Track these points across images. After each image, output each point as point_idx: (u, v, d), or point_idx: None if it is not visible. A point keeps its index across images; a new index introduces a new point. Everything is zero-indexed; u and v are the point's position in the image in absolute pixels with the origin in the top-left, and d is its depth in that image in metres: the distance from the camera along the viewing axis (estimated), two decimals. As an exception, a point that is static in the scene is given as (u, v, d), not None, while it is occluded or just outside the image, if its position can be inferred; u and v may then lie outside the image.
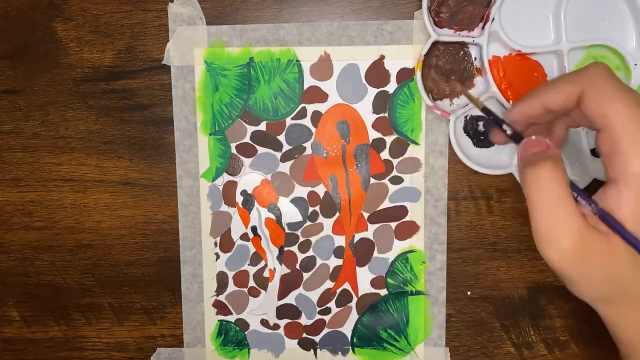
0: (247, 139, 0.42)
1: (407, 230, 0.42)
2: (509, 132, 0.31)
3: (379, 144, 0.42)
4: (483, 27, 0.39)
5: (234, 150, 0.42)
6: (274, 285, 0.43)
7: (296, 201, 0.42)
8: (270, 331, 0.44)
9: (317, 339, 0.44)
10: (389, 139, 0.42)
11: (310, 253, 0.43)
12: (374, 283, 0.43)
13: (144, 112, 0.42)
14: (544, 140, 0.29)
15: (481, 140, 0.41)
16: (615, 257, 0.27)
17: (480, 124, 0.41)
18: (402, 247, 0.42)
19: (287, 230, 0.43)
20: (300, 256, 0.43)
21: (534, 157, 0.28)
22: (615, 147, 0.26)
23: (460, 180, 0.42)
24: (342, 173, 0.42)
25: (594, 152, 0.41)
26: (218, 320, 0.44)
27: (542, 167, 0.27)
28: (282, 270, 0.43)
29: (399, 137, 0.42)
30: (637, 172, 0.26)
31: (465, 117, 0.41)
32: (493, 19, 0.39)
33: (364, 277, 0.43)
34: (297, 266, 0.43)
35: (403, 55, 0.41)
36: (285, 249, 0.43)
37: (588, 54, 0.40)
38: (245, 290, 0.44)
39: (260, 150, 0.42)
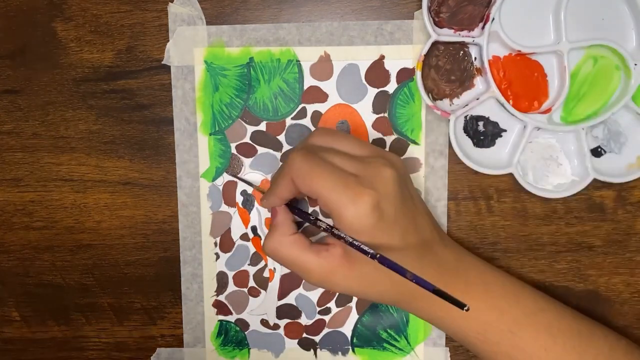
0: (247, 139, 0.42)
1: (407, 230, 0.42)
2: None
3: (379, 144, 0.42)
4: (483, 27, 0.39)
5: (234, 150, 0.42)
6: (274, 285, 0.43)
7: (296, 201, 0.42)
8: (270, 331, 0.44)
9: (317, 339, 0.44)
10: (389, 139, 0.42)
11: (310, 253, 0.43)
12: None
13: (144, 112, 0.42)
14: (273, 210, 0.37)
15: (481, 140, 0.41)
16: (353, 266, 0.35)
17: (481, 124, 0.41)
18: (402, 247, 0.42)
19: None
20: (300, 256, 0.43)
21: (272, 221, 0.37)
22: (329, 209, 0.33)
23: (460, 180, 0.42)
24: (342, 173, 0.42)
25: (594, 152, 0.41)
26: (218, 320, 0.44)
27: (266, 240, 0.37)
28: (282, 270, 0.43)
29: (399, 137, 0.42)
30: (347, 223, 0.33)
31: (465, 117, 0.41)
32: (493, 19, 0.39)
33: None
34: (297, 266, 0.43)
35: (403, 55, 0.41)
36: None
37: (588, 54, 0.40)
38: (245, 290, 0.44)
39: (260, 150, 0.42)
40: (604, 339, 0.38)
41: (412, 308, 0.37)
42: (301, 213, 0.38)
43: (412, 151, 0.42)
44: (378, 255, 0.32)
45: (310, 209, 0.42)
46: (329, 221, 0.39)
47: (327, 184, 0.33)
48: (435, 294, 0.30)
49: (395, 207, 0.34)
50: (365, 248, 0.33)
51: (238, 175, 0.42)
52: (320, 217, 0.40)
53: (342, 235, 0.34)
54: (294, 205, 0.39)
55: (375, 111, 0.41)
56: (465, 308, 0.29)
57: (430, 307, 0.36)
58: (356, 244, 0.33)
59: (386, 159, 0.35)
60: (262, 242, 0.42)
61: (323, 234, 0.41)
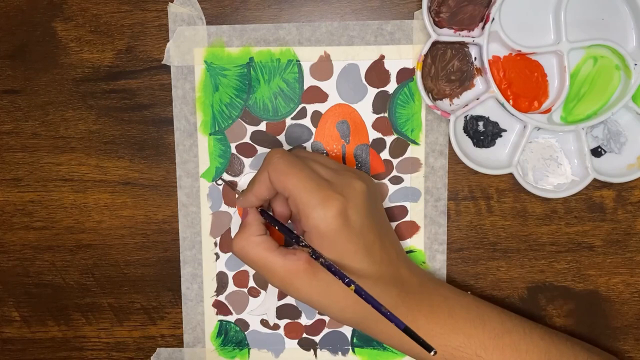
0: (247, 139, 0.42)
1: (407, 230, 0.42)
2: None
3: (379, 144, 0.42)
4: (483, 27, 0.39)
5: (234, 150, 0.42)
6: (274, 285, 0.43)
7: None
8: (270, 331, 0.44)
9: (317, 339, 0.44)
10: (389, 139, 0.42)
11: (310, 253, 0.43)
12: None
13: (144, 112, 0.42)
14: (243, 210, 0.38)
15: (481, 140, 0.41)
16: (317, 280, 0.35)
17: (481, 124, 0.41)
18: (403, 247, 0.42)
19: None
20: (300, 256, 0.43)
21: (239, 227, 0.38)
22: (297, 208, 0.35)
23: (460, 180, 0.42)
24: (342, 173, 0.42)
25: (594, 152, 0.41)
26: (218, 320, 0.44)
27: (235, 239, 0.37)
28: (282, 270, 0.43)
29: (399, 137, 0.42)
30: (313, 224, 0.34)
31: (465, 117, 0.41)
32: (493, 19, 0.39)
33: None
34: (297, 266, 0.43)
35: (403, 55, 0.41)
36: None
37: (588, 54, 0.40)
38: (245, 290, 0.44)
39: (260, 150, 0.42)
40: (573, 358, 0.37)
41: (374, 331, 0.37)
42: (275, 221, 0.38)
43: (412, 151, 0.42)
44: (354, 287, 0.32)
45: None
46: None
47: (299, 184, 0.34)
48: (405, 332, 0.30)
49: (362, 219, 0.35)
50: (342, 273, 0.33)
51: (221, 178, 0.42)
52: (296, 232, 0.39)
53: (318, 255, 0.34)
54: (268, 213, 0.38)
55: (375, 111, 0.41)
56: (433, 352, 0.29)
57: (394, 334, 0.35)
58: (333, 269, 0.33)
59: (358, 174, 0.37)
60: None
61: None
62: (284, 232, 0.37)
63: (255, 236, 0.36)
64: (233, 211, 0.43)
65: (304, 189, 0.34)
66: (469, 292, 0.43)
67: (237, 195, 0.42)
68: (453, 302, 0.38)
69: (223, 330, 0.44)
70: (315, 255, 0.34)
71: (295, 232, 0.37)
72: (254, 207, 0.38)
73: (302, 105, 0.42)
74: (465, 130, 0.41)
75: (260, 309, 0.44)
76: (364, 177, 0.37)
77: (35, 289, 0.44)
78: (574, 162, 0.41)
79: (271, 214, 0.38)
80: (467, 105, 0.40)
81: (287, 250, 0.36)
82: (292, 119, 0.42)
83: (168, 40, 0.41)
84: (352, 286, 0.32)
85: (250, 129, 0.42)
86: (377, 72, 0.41)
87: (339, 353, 0.44)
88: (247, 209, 0.38)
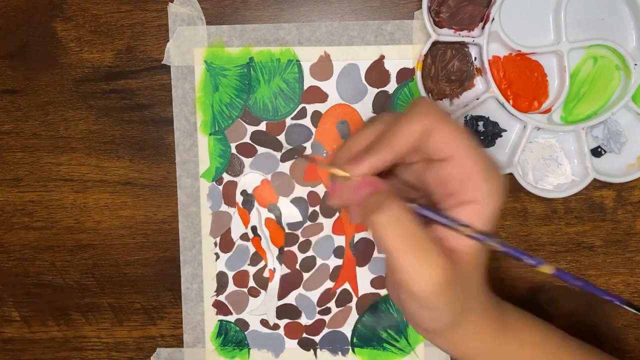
0: (247, 139, 0.42)
1: (407, 230, 0.42)
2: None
3: (379, 144, 0.42)
4: (483, 27, 0.39)
5: (234, 150, 0.42)
6: (274, 285, 0.43)
7: (296, 201, 0.42)
8: (270, 331, 0.44)
9: (317, 339, 0.44)
10: (389, 139, 0.42)
11: (310, 253, 0.43)
12: (374, 283, 0.43)
13: (144, 112, 0.42)
14: (371, 178, 0.29)
15: (481, 140, 0.41)
16: (465, 274, 0.29)
17: (481, 124, 0.41)
18: (402, 247, 0.42)
19: (287, 230, 0.43)
20: (300, 256, 0.43)
21: (372, 200, 0.28)
22: (466, 173, 0.28)
23: (460, 180, 0.42)
24: (342, 173, 0.42)
25: (594, 152, 0.41)
26: (218, 320, 0.44)
27: (386, 211, 0.27)
28: (282, 270, 0.43)
29: (399, 137, 0.41)
30: (486, 190, 0.28)
31: (465, 117, 0.41)
32: (493, 19, 0.39)
33: (364, 277, 0.43)
34: (297, 266, 0.43)
35: (403, 55, 0.41)
36: (285, 249, 0.43)
37: (588, 54, 0.40)
38: (245, 290, 0.44)
39: (260, 150, 0.42)
40: None
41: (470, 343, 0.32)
42: (429, 211, 0.29)
43: (412, 151, 0.42)
44: (555, 270, 0.29)
45: (310, 209, 0.42)
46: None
47: (474, 146, 0.28)
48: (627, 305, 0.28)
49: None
50: (526, 258, 0.29)
51: (301, 155, 0.34)
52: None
53: (492, 241, 0.29)
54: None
55: (375, 111, 0.41)
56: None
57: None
58: (517, 254, 0.29)
59: None
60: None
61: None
62: (437, 217, 0.29)
63: (405, 205, 0.28)
64: (233, 211, 0.43)
65: (477, 149, 0.28)
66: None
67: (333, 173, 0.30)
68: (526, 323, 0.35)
69: (223, 330, 0.44)
70: (495, 241, 0.29)
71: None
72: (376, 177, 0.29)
73: (302, 105, 0.42)
74: (465, 130, 0.41)
75: (260, 309, 0.44)
76: None
77: (35, 289, 0.44)
78: (574, 162, 0.41)
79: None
80: (467, 105, 0.40)
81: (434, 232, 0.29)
82: (292, 119, 0.42)
83: (168, 40, 0.41)
84: (554, 272, 0.29)
85: (250, 129, 0.42)
86: (377, 72, 0.41)
87: (339, 353, 0.44)
88: (370, 180, 0.29)
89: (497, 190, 0.28)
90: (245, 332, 0.44)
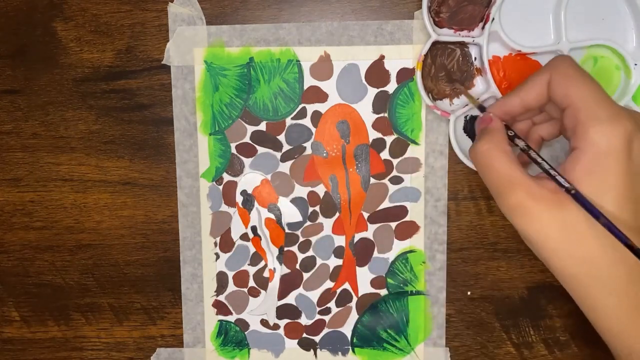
0: (247, 139, 0.42)
1: (407, 230, 0.42)
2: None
3: (379, 144, 0.42)
4: (483, 27, 0.39)
5: (234, 150, 0.42)
6: (274, 285, 0.43)
7: (296, 201, 0.42)
8: (270, 331, 0.44)
9: (317, 339, 0.44)
10: (389, 139, 0.42)
11: (310, 253, 0.43)
12: (374, 283, 0.43)
13: (144, 112, 0.42)
14: (488, 115, 0.34)
15: (481, 140, 0.41)
16: (569, 215, 0.30)
17: (480, 124, 0.41)
18: (402, 247, 0.42)
19: (287, 230, 0.43)
20: (300, 256, 0.43)
21: (480, 133, 0.33)
22: (577, 120, 0.30)
23: (460, 180, 0.42)
24: (342, 173, 0.42)
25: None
26: (218, 320, 0.44)
27: (480, 142, 0.32)
28: (282, 270, 0.43)
29: (399, 137, 0.42)
30: (593, 139, 0.29)
31: (465, 117, 0.41)
32: (493, 19, 0.39)
33: (364, 277, 0.43)
34: (297, 266, 0.43)
35: (403, 55, 0.41)
36: (285, 249, 0.43)
37: (588, 54, 0.40)
38: (245, 290, 0.44)
39: (260, 150, 0.42)
40: None
41: (594, 300, 0.31)
42: (529, 148, 0.33)
43: (412, 151, 0.42)
44: (573, 191, 0.28)
45: (310, 209, 0.42)
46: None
47: (590, 93, 0.30)
48: (629, 249, 0.27)
49: None
50: (561, 179, 0.29)
51: (458, 86, 0.38)
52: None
53: (538, 158, 0.31)
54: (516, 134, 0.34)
55: (375, 111, 0.41)
56: None
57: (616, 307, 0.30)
58: (550, 169, 0.30)
59: None
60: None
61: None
62: (532, 158, 0.32)
63: (504, 144, 0.32)
64: (233, 211, 0.43)
65: (594, 99, 0.29)
66: (469, 293, 0.43)
67: (478, 105, 0.36)
68: None
69: (223, 330, 0.44)
70: (535, 158, 0.31)
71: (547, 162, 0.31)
72: (498, 120, 0.33)
73: (302, 105, 0.42)
74: (465, 130, 0.41)
75: (260, 309, 0.44)
76: None
77: (35, 289, 0.44)
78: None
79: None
80: (467, 105, 0.40)
81: (533, 176, 0.31)
82: (292, 119, 0.42)
83: (168, 40, 0.41)
84: (570, 193, 0.29)
85: (250, 128, 0.42)
86: (377, 72, 0.41)
87: (339, 353, 0.44)
88: (487, 117, 0.33)
89: (605, 139, 0.29)
90: (245, 332, 0.44)
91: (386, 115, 0.41)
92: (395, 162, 0.42)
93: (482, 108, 0.36)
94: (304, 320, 0.44)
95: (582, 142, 0.29)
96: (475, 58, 0.40)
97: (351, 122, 0.42)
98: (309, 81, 0.41)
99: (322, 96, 0.41)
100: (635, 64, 0.39)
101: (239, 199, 0.42)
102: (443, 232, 0.42)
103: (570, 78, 0.31)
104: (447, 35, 0.39)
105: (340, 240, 0.43)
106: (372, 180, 0.42)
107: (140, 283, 0.44)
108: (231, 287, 0.43)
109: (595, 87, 0.30)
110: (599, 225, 0.28)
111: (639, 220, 0.29)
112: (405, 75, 0.41)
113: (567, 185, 0.29)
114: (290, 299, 0.43)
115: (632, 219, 0.29)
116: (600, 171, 0.29)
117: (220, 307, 0.44)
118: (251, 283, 0.43)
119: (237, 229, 0.43)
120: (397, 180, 0.42)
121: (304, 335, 0.44)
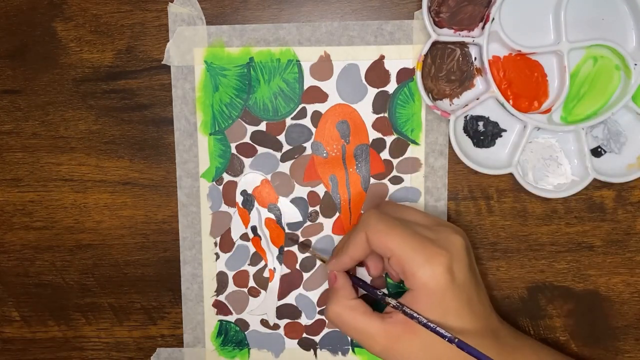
0: (247, 139, 0.42)
1: (407, 230, 0.42)
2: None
3: (379, 144, 0.42)
4: (483, 27, 0.39)
5: (234, 150, 0.42)
6: (274, 285, 0.43)
7: (296, 201, 0.42)
8: (270, 331, 0.44)
9: (317, 339, 0.44)
10: (389, 139, 0.42)
11: (310, 253, 0.43)
12: (374, 283, 0.43)
13: (144, 112, 0.42)
14: (331, 273, 0.38)
15: (481, 140, 0.41)
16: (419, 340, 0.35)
17: (481, 124, 0.41)
18: (402, 247, 0.42)
19: (287, 230, 0.43)
20: (300, 256, 0.43)
21: (329, 293, 0.38)
22: (402, 267, 0.34)
23: (460, 180, 0.42)
24: (342, 173, 0.42)
25: (594, 152, 0.41)
26: (218, 320, 0.44)
27: (329, 305, 0.37)
28: (282, 270, 0.43)
29: (399, 137, 0.42)
30: (422, 281, 0.34)
31: (465, 117, 0.41)
32: (493, 19, 0.39)
33: (364, 277, 0.43)
34: (297, 266, 0.43)
35: (403, 55, 0.41)
36: (285, 249, 0.43)
37: (588, 54, 0.40)
38: (245, 290, 0.44)
39: (260, 150, 0.42)
40: None
41: None
42: (366, 286, 0.38)
43: (412, 151, 0.42)
44: (456, 340, 0.32)
45: (310, 209, 0.42)
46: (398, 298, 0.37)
47: (403, 243, 0.34)
48: None
49: (464, 273, 0.35)
50: (442, 331, 0.33)
51: (293, 239, 0.43)
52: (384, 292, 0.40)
53: (414, 315, 0.34)
54: (359, 278, 0.39)
55: (375, 111, 0.41)
56: None
57: None
58: (432, 325, 0.33)
59: (453, 228, 0.37)
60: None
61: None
62: (372, 293, 0.37)
63: (349, 300, 0.36)
64: (233, 211, 0.43)
65: (409, 247, 0.34)
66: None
67: (324, 261, 0.41)
68: (544, 355, 0.38)
69: (223, 330, 0.44)
70: (411, 314, 0.34)
71: (381, 292, 0.37)
72: (342, 272, 0.38)
73: (302, 105, 0.42)
74: (465, 130, 0.41)
75: (260, 309, 0.44)
76: (459, 230, 0.37)
77: (35, 289, 0.44)
78: (574, 162, 0.41)
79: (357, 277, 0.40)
80: (467, 105, 0.40)
81: (381, 313, 0.36)
82: (292, 119, 0.42)
83: (168, 40, 0.41)
84: (454, 343, 0.32)
85: (250, 129, 0.42)
86: (377, 72, 0.41)
87: (339, 353, 0.44)
88: (334, 272, 0.38)
89: (431, 279, 0.34)
90: (245, 332, 0.44)
91: (386, 115, 0.41)
92: (395, 162, 0.42)
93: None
94: (304, 320, 0.44)
95: (414, 285, 0.34)
96: (475, 58, 0.40)
97: (351, 122, 0.42)
98: (309, 81, 0.41)
99: (322, 96, 0.41)
100: (635, 64, 0.39)
101: (239, 199, 0.42)
102: (443, 232, 0.42)
103: (382, 233, 0.34)
104: (447, 35, 0.39)
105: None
106: (372, 180, 0.42)
107: (140, 283, 0.44)
108: (231, 287, 0.43)
109: (407, 234, 0.34)
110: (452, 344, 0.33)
111: (480, 320, 0.35)
112: (405, 75, 0.41)
113: (448, 335, 0.33)
114: (290, 299, 0.43)
115: (471, 320, 0.35)
116: (437, 303, 0.34)
117: (220, 307, 0.44)
118: (251, 283, 0.43)
119: (237, 229, 0.43)
120: (397, 180, 0.42)
121: (304, 335, 0.44)
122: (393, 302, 0.35)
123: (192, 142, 0.42)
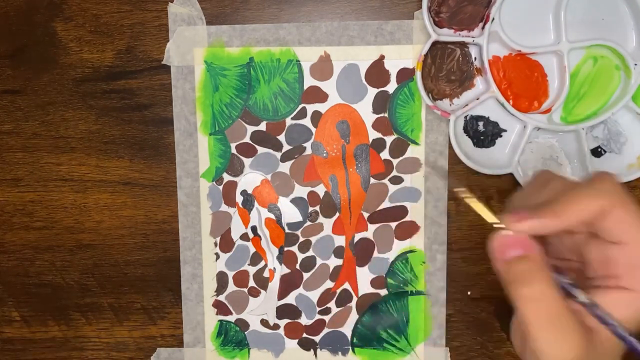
0: (247, 139, 0.42)
1: (407, 230, 0.42)
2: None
3: (379, 144, 0.42)
4: (483, 27, 0.39)
5: (234, 150, 0.42)
6: (274, 285, 0.43)
7: (296, 201, 0.42)
8: (270, 331, 0.44)
9: (317, 339, 0.44)
10: (389, 139, 0.42)
11: (310, 253, 0.43)
12: (374, 283, 0.43)
13: (144, 112, 0.42)
14: (523, 238, 0.27)
15: (481, 140, 0.41)
16: (598, 356, 0.27)
17: (481, 124, 0.41)
18: (402, 247, 0.42)
19: (287, 230, 0.43)
20: (300, 256, 0.43)
21: (520, 268, 0.27)
22: (638, 261, 0.26)
23: (460, 180, 0.42)
24: (342, 173, 0.42)
25: (594, 152, 0.41)
26: (218, 320, 0.44)
27: (533, 286, 0.26)
28: (282, 270, 0.43)
29: (399, 137, 0.42)
30: None
31: (465, 117, 0.41)
32: (493, 19, 0.39)
33: (364, 277, 0.43)
34: (297, 266, 0.43)
35: (403, 55, 0.41)
36: (285, 249, 0.43)
37: (588, 54, 0.40)
38: (245, 290, 0.44)
39: (260, 150, 0.42)
40: None
41: None
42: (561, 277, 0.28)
43: (412, 151, 0.42)
44: None
45: (310, 209, 0.42)
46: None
47: None
48: None
49: None
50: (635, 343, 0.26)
51: None
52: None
53: (608, 321, 0.27)
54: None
55: (375, 111, 0.41)
56: None
57: None
58: (623, 334, 0.26)
59: None
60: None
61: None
62: (569, 290, 0.28)
63: (560, 302, 0.26)
64: (233, 211, 0.43)
65: None
66: (469, 293, 0.43)
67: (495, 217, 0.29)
68: None
69: (223, 330, 0.44)
70: (600, 317, 0.27)
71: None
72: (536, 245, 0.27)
73: (302, 105, 0.42)
74: (465, 130, 0.41)
75: (260, 309, 0.44)
76: None
77: (35, 289, 0.44)
78: (574, 162, 0.41)
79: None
80: (467, 105, 0.40)
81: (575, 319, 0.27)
82: (292, 119, 0.42)
83: (168, 40, 0.41)
84: None
85: (250, 129, 0.42)
86: (377, 72, 0.41)
87: (339, 353, 0.44)
88: (526, 236, 0.27)
89: None
90: (245, 332, 0.44)
91: (386, 115, 0.41)
92: (395, 162, 0.42)
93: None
94: (304, 320, 0.44)
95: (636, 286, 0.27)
96: (475, 58, 0.40)
97: (351, 122, 0.42)
98: (309, 81, 0.41)
99: (322, 96, 0.41)
100: (635, 64, 0.39)
101: (239, 199, 0.42)
102: (443, 232, 0.42)
103: (628, 211, 0.27)
104: (447, 35, 0.39)
105: (340, 240, 0.43)
106: (372, 180, 0.42)
107: (140, 283, 0.44)
108: (231, 287, 0.43)
109: None
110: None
111: None
112: (405, 75, 0.41)
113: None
114: (290, 299, 0.43)
115: None
116: None
117: (220, 307, 0.44)
118: (251, 283, 0.43)
119: (237, 229, 0.43)
120: (397, 180, 0.42)
121: (304, 335, 0.44)
122: (584, 298, 0.27)
123: (192, 142, 0.42)
